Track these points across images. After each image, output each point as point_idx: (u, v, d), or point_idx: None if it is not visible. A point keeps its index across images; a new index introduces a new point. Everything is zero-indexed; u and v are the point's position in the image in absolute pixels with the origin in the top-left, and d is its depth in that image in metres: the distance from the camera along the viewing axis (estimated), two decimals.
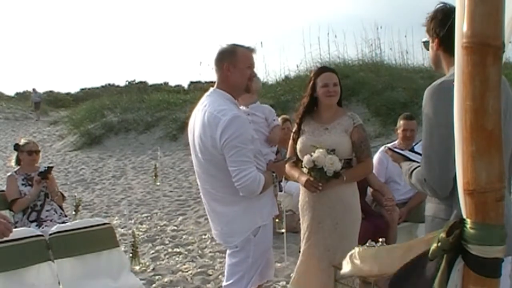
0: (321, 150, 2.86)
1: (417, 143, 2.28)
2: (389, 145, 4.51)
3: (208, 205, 2.75)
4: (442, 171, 1.73)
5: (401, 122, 4.31)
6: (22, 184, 4.21)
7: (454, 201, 1.77)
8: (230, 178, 2.47)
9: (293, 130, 3.16)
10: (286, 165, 3.06)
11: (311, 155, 2.88)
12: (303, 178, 2.96)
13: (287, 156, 3.17)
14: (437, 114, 1.74)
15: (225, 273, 2.76)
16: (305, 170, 2.97)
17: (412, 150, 2.18)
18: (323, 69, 3.14)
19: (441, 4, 1.85)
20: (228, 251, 2.74)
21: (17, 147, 4.37)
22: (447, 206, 1.80)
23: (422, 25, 1.95)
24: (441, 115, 1.71)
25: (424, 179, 1.79)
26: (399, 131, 4.31)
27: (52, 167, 4.42)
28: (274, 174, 2.70)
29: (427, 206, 1.94)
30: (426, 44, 1.97)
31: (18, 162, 4.35)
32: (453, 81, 0.97)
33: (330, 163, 2.84)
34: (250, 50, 2.66)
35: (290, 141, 3.17)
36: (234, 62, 2.57)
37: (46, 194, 4.23)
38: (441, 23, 1.80)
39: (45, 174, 4.19)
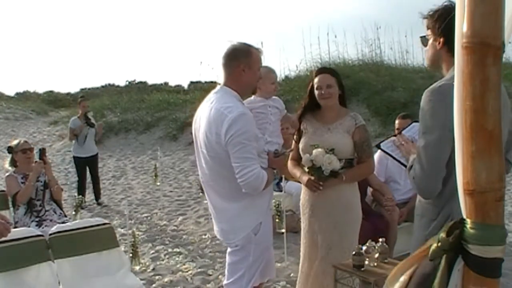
0: (319, 149, 2.87)
1: (404, 128, 2.28)
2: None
3: (211, 202, 2.76)
4: (430, 173, 1.74)
5: (395, 122, 4.41)
6: (22, 183, 4.22)
7: (441, 202, 1.78)
8: (234, 175, 2.48)
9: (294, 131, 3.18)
10: (289, 164, 3.10)
11: (310, 155, 2.90)
12: (305, 178, 2.98)
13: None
14: (434, 116, 1.74)
15: (226, 272, 2.77)
16: (306, 169, 2.99)
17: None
18: (319, 71, 3.14)
19: (447, 3, 1.82)
20: (228, 250, 2.75)
21: (10, 149, 4.38)
22: (434, 206, 1.82)
23: (423, 17, 1.91)
24: (438, 117, 1.70)
25: (413, 177, 1.80)
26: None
27: (44, 148, 4.52)
28: (275, 171, 2.71)
29: (416, 204, 1.95)
30: (423, 39, 1.94)
31: (13, 164, 4.36)
32: (453, 84, 0.97)
33: (328, 162, 2.85)
34: (260, 52, 2.69)
35: (293, 142, 3.19)
36: (250, 63, 2.58)
37: (45, 184, 4.25)
38: (448, 22, 1.75)
39: (41, 155, 4.34)
